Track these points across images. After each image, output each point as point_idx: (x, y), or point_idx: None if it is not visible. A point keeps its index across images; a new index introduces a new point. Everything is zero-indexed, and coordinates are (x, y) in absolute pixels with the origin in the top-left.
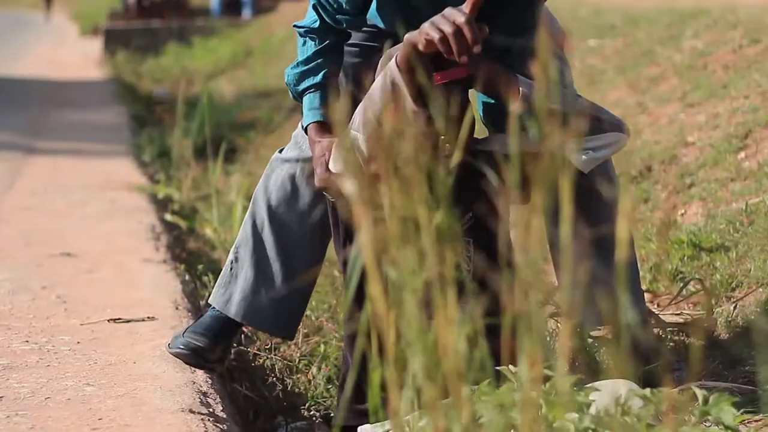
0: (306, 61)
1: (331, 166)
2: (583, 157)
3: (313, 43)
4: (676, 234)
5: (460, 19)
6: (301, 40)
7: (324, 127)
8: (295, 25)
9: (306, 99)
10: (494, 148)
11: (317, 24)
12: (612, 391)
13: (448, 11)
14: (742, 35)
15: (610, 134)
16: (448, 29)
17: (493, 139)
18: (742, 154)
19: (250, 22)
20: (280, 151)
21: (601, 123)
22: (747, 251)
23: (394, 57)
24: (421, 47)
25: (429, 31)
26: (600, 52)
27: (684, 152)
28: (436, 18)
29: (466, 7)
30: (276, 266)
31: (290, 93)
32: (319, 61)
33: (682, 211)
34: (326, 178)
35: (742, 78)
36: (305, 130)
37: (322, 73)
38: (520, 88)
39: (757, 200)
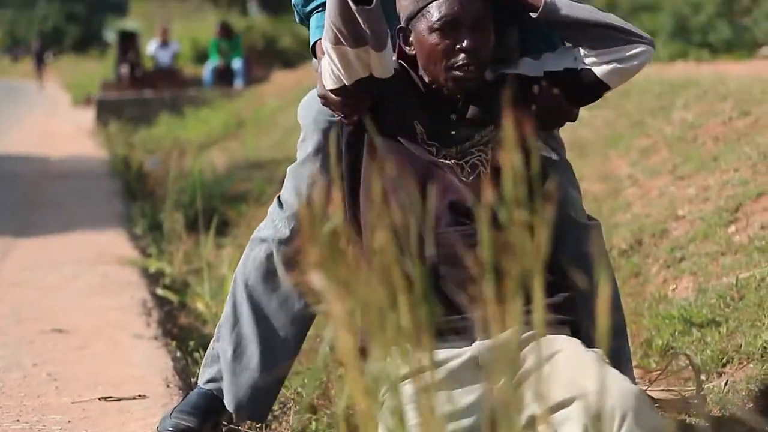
0: None
1: (324, 83)
2: (608, 67)
3: None
4: (667, 309)
5: None
6: None
7: None
8: None
9: (313, 18)
10: (519, 70)
11: None
12: None
13: None
14: (732, 107)
15: (635, 45)
16: None
17: (519, 63)
18: (732, 228)
19: (242, 93)
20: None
21: (626, 35)
22: (737, 326)
23: None
24: None
25: None
26: (591, 123)
27: (674, 225)
28: None
29: None
30: (252, 348)
31: (296, 15)
32: None
33: (673, 286)
34: (323, 94)
35: (732, 150)
36: (313, 47)
37: None
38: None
39: (748, 275)
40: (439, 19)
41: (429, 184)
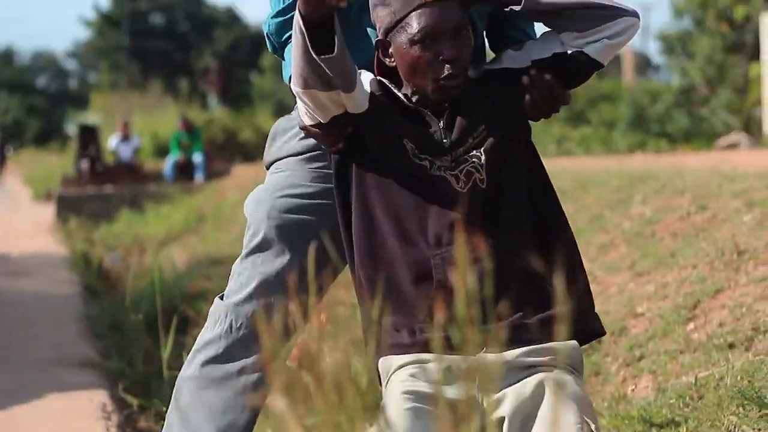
0: (284, 11)
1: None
2: (599, 45)
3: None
4: (627, 409)
5: None
6: None
7: None
8: None
9: (288, 48)
10: (504, 64)
11: None
12: None
13: None
14: (690, 202)
15: (622, 20)
16: None
17: (503, 57)
18: (691, 326)
19: (203, 187)
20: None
21: (612, 9)
22: (697, 426)
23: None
24: None
25: None
26: None
27: (633, 323)
28: None
29: None
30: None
31: (269, 44)
32: None
33: (633, 386)
34: (303, 126)
35: (690, 246)
36: (290, 79)
37: None
38: None
39: (707, 374)
40: (419, 31)
41: (426, 203)
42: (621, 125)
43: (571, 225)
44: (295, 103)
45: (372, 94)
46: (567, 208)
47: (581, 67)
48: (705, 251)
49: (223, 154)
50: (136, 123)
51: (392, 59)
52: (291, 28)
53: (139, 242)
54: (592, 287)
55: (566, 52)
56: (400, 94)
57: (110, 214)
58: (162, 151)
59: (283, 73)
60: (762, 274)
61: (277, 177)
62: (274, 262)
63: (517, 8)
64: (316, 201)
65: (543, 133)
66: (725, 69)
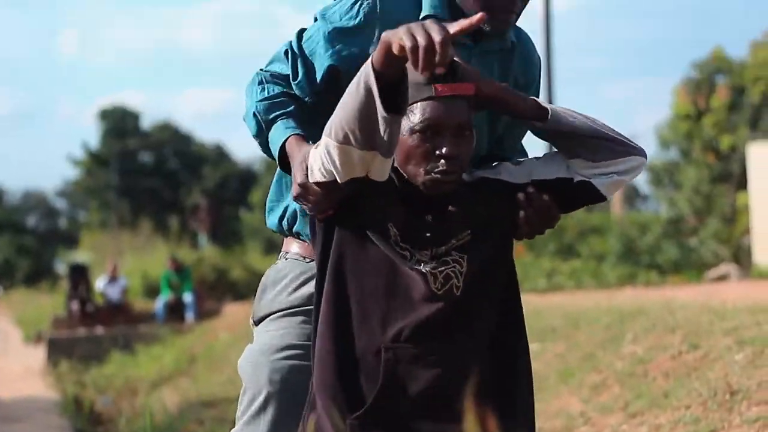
0: (272, 97)
1: (309, 175)
2: (607, 179)
3: (280, 87)
4: None
5: (437, 36)
6: (259, 86)
7: (303, 139)
8: (261, 69)
9: (278, 124)
10: (502, 177)
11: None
12: None
13: (430, 23)
14: (681, 340)
15: (633, 158)
16: (421, 41)
17: (500, 168)
18: None
19: (194, 327)
20: None
21: (625, 146)
22: None
23: (370, 57)
24: (395, 50)
25: (403, 36)
26: (542, 357)
27: None
28: (415, 25)
29: (452, 26)
30: None
31: (254, 126)
32: (286, 99)
33: None
34: (304, 184)
35: (683, 386)
36: (281, 147)
37: (292, 106)
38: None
39: None
40: (421, 121)
41: (397, 293)
42: (611, 257)
43: (563, 364)
44: (283, 237)
45: None
46: (559, 347)
47: (583, 197)
48: (698, 391)
49: (213, 293)
50: (126, 263)
51: None
52: (280, 107)
53: (130, 384)
54: (586, 429)
55: (572, 179)
56: (392, 174)
57: (101, 356)
58: (153, 291)
59: (277, 142)
60: (756, 414)
61: (271, 336)
62: (276, 426)
63: (539, 125)
64: None
65: (533, 267)
66: (713, 199)
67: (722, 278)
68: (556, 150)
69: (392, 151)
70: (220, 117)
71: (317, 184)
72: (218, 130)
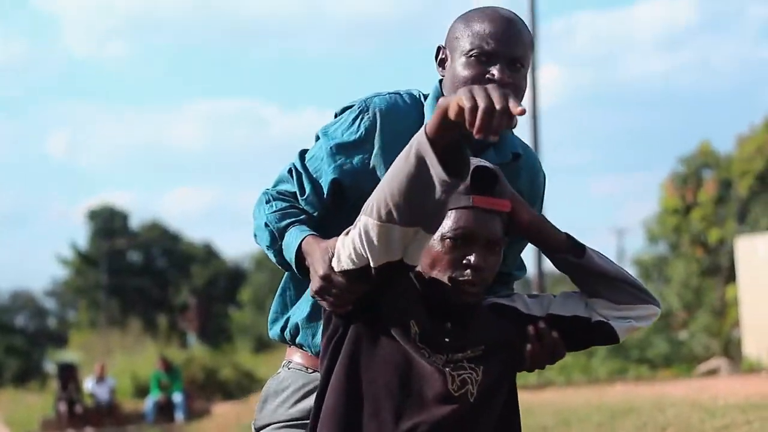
0: (282, 209)
1: (333, 264)
2: (625, 324)
3: (288, 203)
4: None
5: (498, 101)
6: (267, 204)
7: (320, 238)
8: (266, 189)
9: (292, 230)
10: (518, 306)
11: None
12: None
13: (493, 87)
14: None
15: (650, 306)
16: (481, 103)
17: (516, 298)
18: None
19: (183, 427)
20: None
21: (645, 294)
22: None
23: (423, 126)
24: (451, 114)
25: (463, 96)
26: None
27: None
28: (478, 87)
29: (513, 103)
30: None
31: (267, 237)
32: (296, 210)
33: None
34: (328, 275)
35: None
36: (298, 248)
37: (303, 215)
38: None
39: None
40: (454, 229)
41: (413, 390)
42: (601, 352)
43: None
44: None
45: None
46: None
47: (599, 337)
48: None
49: (203, 392)
50: (115, 363)
51: None
52: (292, 216)
53: None
54: None
55: (590, 319)
56: (414, 278)
57: None
58: (142, 391)
59: (293, 244)
60: None
61: None
62: None
63: (574, 260)
64: None
65: None
66: (702, 292)
67: (713, 372)
68: (574, 290)
69: (437, 225)
70: (208, 216)
71: (344, 273)
72: (207, 228)
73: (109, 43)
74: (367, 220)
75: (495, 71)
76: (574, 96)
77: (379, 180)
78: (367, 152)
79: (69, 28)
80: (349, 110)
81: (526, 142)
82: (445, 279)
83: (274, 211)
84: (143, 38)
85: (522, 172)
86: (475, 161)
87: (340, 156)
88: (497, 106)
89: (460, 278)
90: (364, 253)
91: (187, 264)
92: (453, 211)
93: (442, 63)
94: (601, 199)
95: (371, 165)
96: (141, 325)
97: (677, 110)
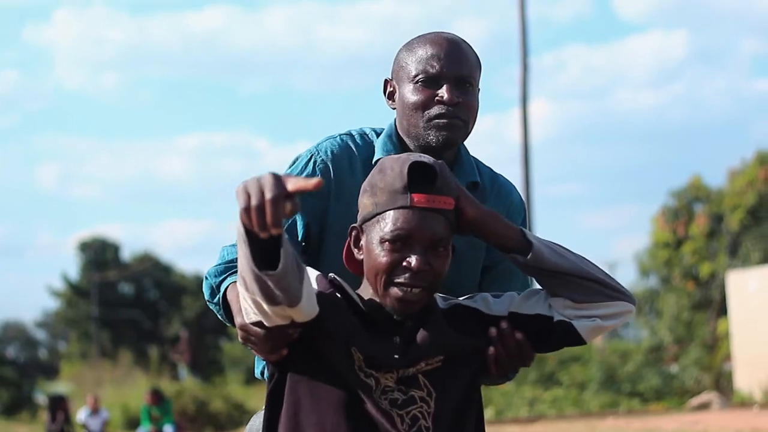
0: (225, 262)
1: (244, 316)
2: (590, 323)
3: (234, 257)
4: None
5: (269, 194)
6: (219, 258)
7: None
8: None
9: (227, 280)
10: (478, 306)
11: None
12: None
13: (267, 177)
14: None
15: (620, 303)
16: (253, 200)
17: (478, 298)
18: None
19: None
20: None
21: (614, 290)
22: None
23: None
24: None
25: (240, 194)
26: None
27: None
28: (252, 180)
29: (290, 182)
30: None
31: (206, 291)
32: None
33: None
34: (244, 326)
35: None
36: (223, 297)
37: None
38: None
39: None
40: (392, 231)
41: (362, 430)
42: (592, 385)
43: None
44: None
45: (323, 293)
46: None
47: (563, 338)
48: None
49: (194, 425)
50: (106, 395)
51: (361, 251)
52: (232, 269)
53: None
54: None
55: (552, 318)
56: (356, 298)
57: None
58: (133, 423)
59: (220, 289)
60: None
61: None
62: None
63: (520, 259)
64: None
65: (514, 395)
66: (693, 326)
67: (704, 406)
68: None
69: (295, 299)
70: (199, 247)
71: (255, 324)
72: (198, 260)
73: (100, 75)
74: (240, 289)
75: (443, 92)
76: (565, 130)
77: (327, 225)
78: (322, 196)
79: (61, 59)
80: (301, 157)
81: (518, 176)
82: (382, 285)
83: (218, 264)
84: (135, 71)
85: (489, 201)
86: (414, 156)
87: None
88: (267, 200)
89: (398, 282)
90: (256, 313)
91: (178, 296)
92: (391, 211)
93: (391, 96)
94: (593, 232)
95: (328, 207)
96: (132, 356)
97: (669, 144)
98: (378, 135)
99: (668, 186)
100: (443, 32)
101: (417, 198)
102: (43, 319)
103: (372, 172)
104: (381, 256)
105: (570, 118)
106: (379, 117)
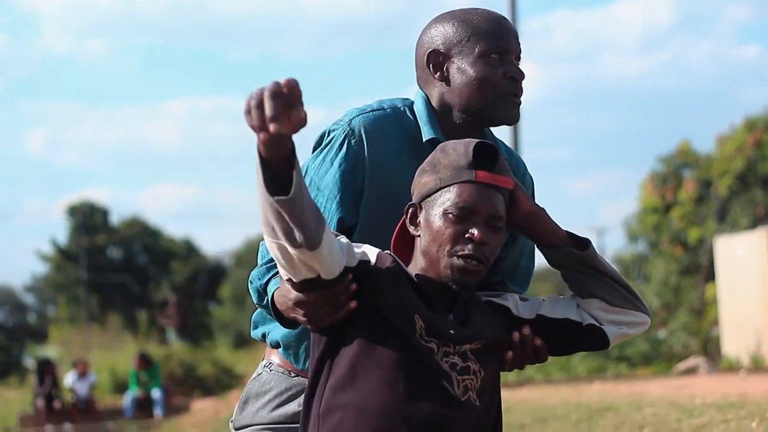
0: (265, 263)
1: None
2: (617, 330)
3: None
4: None
5: (267, 91)
6: (258, 258)
7: None
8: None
9: (272, 282)
10: (510, 307)
11: None
12: None
13: (270, 86)
14: None
15: (641, 314)
16: (253, 100)
17: (509, 297)
18: None
19: (162, 423)
20: None
21: (637, 300)
22: None
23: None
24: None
25: (245, 102)
26: None
27: None
28: (255, 91)
29: (285, 83)
30: None
31: (254, 295)
32: None
33: None
34: (297, 297)
35: None
36: (271, 300)
37: None
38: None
39: None
40: (456, 204)
41: (418, 386)
42: None
43: None
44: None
45: (388, 266)
46: None
47: (589, 342)
48: None
49: (182, 389)
50: (95, 358)
51: (418, 227)
52: (274, 269)
53: None
54: None
55: (581, 323)
56: (412, 275)
57: None
58: (121, 387)
59: (269, 289)
60: None
61: None
62: None
63: (577, 252)
64: None
65: None
66: (681, 291)
67: (691, 371)
68: (560, 295)
69: (313, 241)
70: (188, 212)
71: (300, 285)
72: (187, 225)
73: (88, 40)
74: (266, 237)
75: (513, 69)
76: (554, 94)
77: (361, 209)
78: (358, 179)
79: (47, 24)
80: (335, 136)
81: (507, 139)
82: (445, 254)
83: (259, 267)
84: (122, 36)
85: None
86: (476, 139)
87: (339, 192)
88: (265, 95)
89: (461, 252)
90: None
91: (167, 260)
92: (455, 185)
93: (437, 68)
94: (581, 197)
95: (364, 197)
96: (121, 321)
97: (657, 109)
98: (410, 108)
99: (656, 151)
100: (488, 9)
101: (481, 174)
102: (32, 283)
103: (433, 153)
104: (445, 227)
105: (558, 82)
106: (368, 82)
